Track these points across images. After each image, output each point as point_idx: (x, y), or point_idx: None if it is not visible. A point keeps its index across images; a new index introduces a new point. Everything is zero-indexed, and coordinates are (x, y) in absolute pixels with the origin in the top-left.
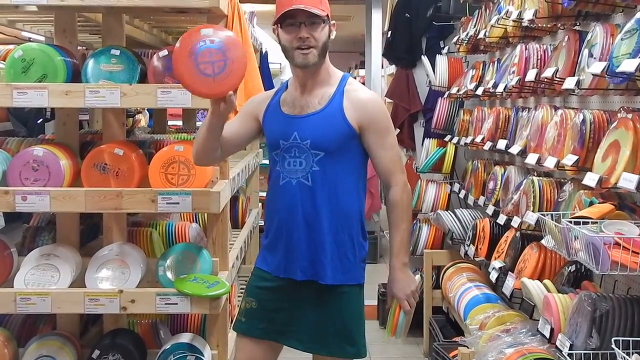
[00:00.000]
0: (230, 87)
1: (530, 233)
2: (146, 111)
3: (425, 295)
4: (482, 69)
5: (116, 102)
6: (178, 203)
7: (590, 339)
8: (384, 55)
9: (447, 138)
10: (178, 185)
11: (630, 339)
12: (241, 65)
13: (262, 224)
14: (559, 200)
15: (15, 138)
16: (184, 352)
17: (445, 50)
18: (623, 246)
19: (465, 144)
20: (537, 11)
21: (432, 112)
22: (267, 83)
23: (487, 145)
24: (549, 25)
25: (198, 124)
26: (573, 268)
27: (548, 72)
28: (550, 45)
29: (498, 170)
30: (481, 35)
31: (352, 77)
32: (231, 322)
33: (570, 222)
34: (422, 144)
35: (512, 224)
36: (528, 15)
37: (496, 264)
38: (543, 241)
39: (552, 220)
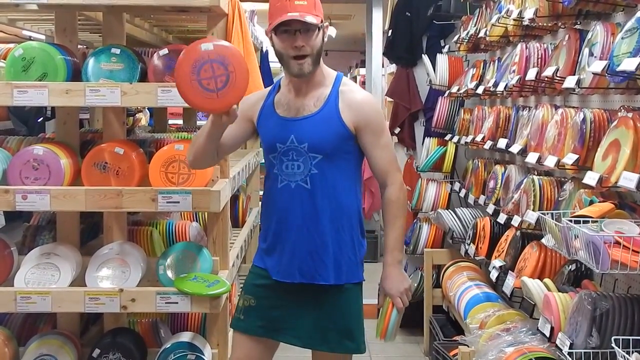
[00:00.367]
0: (233, 101)
1: (530, 232)
2: (147, 110)
3: (425, 294)
4: (483, 68)
5: (116, 101)
6: (178, 202)
7: (590, 337)
8: (384, 54)
9: (447, 137)
10: (178, 184)
11: (631, 337)
12: (244, 77)
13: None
14: (559, 199)
15: (16, 137)
16: (184, 351)
17: (445, 49)
18: (623, 245)
19: (466, 143)
20: (538, 10)
21: (432, 111)
22: (268, 82)
23: (488, 144)
24: (549, 24)
25: (199, 122)
26: (573, 267)
27: (548, 71)
28: (550, 44)
29: (498, 169)
30: (482, 34)
31: (345, 77)
32: None
33: (571, 221)
34: (423, 143)
35: (512, 223)
36: (529, 14)
37: (496, 262)
38: (543, 240)
39: (553, 219)
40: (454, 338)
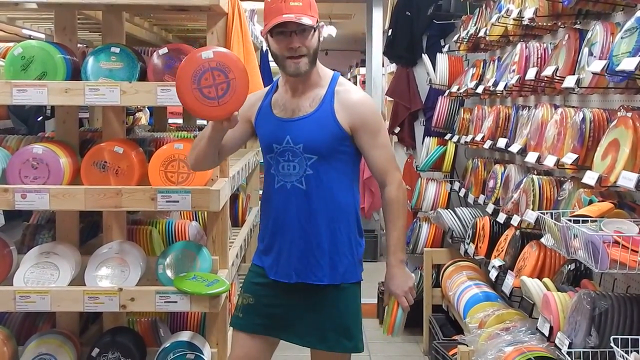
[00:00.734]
0: (234, 108)
1: (530, 231)
2: (146, 109)
3: (425, 294)
4: (483, 68)
5: (116, 100)
6: (178, 201)
7: (589, 337)
8: (384, 53)
9: (447, 136)
10: (178, 183)
11: (629, 337)
12: (244, 83)
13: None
14: (559, 198)
15: (15, 136)
16: (183, 350)
17: (445, 49)
18: (622, 244)
19: (466, 142)
20: (538, 10)
21: (432, 111)
22: (268, 81)
23: (487, 144)
24: (549, 24)
25: (198, 122)
26: (572, 266)
27: (548, 71)
28: (550, 43)
29: (498, 168)
30: (482, 34)
31: (342, 76)
32: None
33: (570, 220)
34: (423, 143)
35: (512, 222)
36: (528, 13)
37: (496, 262)
38: (543, 240)
39: (552, 218)
40: (454, 337)
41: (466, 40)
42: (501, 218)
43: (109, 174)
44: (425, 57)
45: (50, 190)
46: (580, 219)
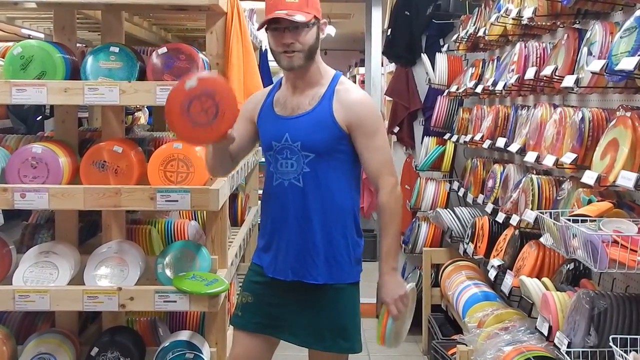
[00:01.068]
0: (227, 127)
1: (529, 231)
2: (146, 109)
3: (424, 293)
4: (482, 67)
5: (115, 99)
6: (177, 201)
7: (588, 336)
8: (383, 53)
9: (446, 136)
10: (177, 182)
11: (628, 336)
12: (232, 102)
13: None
14: (558, 198)
15: (14, 135)
16: (182, 349)
17: (444, 48)
18: (621, 244)
19: (465, 142)
20: (537, 9)
21: (431, 110)
22: (267, 81)
23: (487, 144)
24: (548, 24)
25: None
26: (571, 266)
27: (547, 70)
28: (549, 43)
29: (497, 168)
30: (481, 33)
31: (344, 76)
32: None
33: (569, 220)
34: (422, 142)
35: (511, 222)
36: (527, 13)
37: (495, 262)
38: (542, 239)
39: (551, 218)
40: (453, 337)
41: (465, 39)
42: (500, 218)
43: (108, 174)
44: (424, 56)
45: (50, 189)
46: (580, 218)
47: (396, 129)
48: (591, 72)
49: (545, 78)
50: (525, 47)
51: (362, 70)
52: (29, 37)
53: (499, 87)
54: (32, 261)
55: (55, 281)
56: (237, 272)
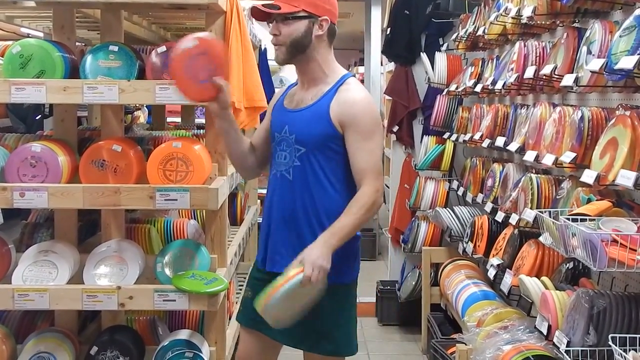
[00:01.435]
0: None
1: (528, 230)
2: (145, 108)
3: (423, 292)
4: (481, 66)
5: (114, 98)
6: (176, 199)
7: (587, 335)
8: (383, 52)
9: (445, 135)
10: (176, 181)
11: (628, 335)
12: (218, 52)
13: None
14: (557, 197)
15: (14, 134)
16: (182, 348)
17: (444, 48)
18: (620, 243)
19: (464, 141)
20: (536, 8)
21: (431, 110)
22: (266, 80)
23: (486, 143)
24: (547, 23)
25: (197, 120)
26: (571, 265)
27: (547, 69)
28: (549, 42)
29: (496, 167)
30: (480, 32)
31: (354, 78)
32: (229, 319)
33: (568, 219)
34: (421, 141)
35: (510, 221)
36: (527, 12)
37: (494, 261)
38: (541, 238)
39: (550, 217)
40: (452, 336)
41: (465, 38)
42: (499, 217)
43: (108, 173)
44: (423, 55)
45: (49, 188)
46: (579, 217)
47: (395, 128)
48: (590, 71)
49: (544, 77)
50: (524, 46)
51: (361, 69)
52: (28, 35)
53: (499, 86)
54: (31, 260)
55: (54, 280)
56: (236, 271)
